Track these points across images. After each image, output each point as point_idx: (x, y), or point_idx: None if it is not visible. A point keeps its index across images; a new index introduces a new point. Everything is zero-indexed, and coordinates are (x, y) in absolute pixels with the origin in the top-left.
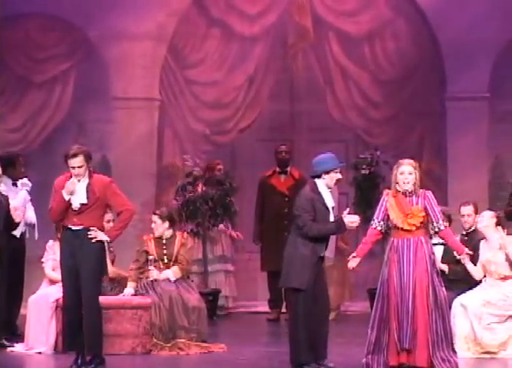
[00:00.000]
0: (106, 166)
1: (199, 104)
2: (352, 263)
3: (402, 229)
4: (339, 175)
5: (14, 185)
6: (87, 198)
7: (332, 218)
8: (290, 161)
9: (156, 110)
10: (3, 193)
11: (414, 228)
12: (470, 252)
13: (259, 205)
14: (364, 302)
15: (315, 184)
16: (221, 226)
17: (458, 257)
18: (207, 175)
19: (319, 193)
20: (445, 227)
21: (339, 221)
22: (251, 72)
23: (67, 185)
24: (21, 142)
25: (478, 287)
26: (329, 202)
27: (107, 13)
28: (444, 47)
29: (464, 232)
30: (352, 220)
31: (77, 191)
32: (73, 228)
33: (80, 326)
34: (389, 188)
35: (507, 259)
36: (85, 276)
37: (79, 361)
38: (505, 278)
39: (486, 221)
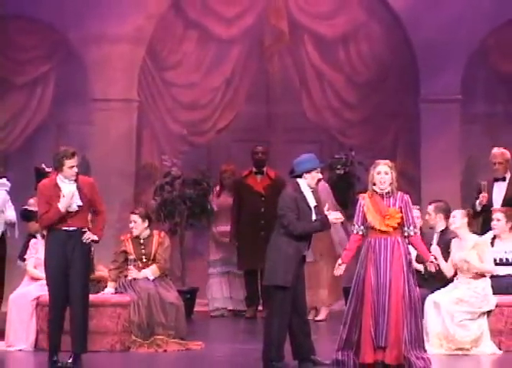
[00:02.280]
0: (86, 166)
1: (177, 105)
2: (339, 270)
3: (379, 230)
4: (319, 175)
5: None
6: (80, 199)
7: (314, 217)
8: (266, 161)
9: (135, 111)
10: None
11: (391, 229)
12: (435, 261)
13: (235, 205)
14: (340, 300)
15: (297, 184)
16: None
17: (433, 248)
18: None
19: (301, 193)
20: (415, 233)
21: (324, 219)
22: (227, 74)
23: (65, 200)
24: (2, 142)
25: (451, 285)
26: (312, 201)
27: (86, 15)
28: (418, 50)
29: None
30: (336, 216)
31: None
32: (67, 229)
33: (61, 324)
34: (366, 189)
35: (480, 259)
36: (77, 275)
37: (55, 358)
38: (477, 277)
39: (458, 222)
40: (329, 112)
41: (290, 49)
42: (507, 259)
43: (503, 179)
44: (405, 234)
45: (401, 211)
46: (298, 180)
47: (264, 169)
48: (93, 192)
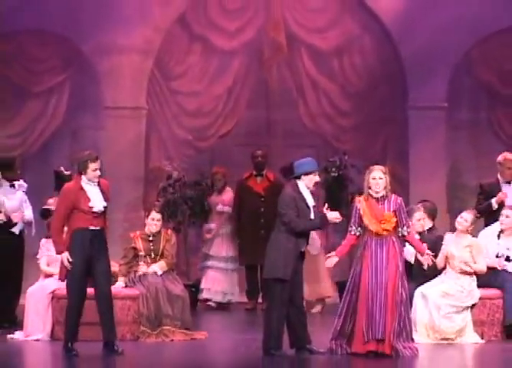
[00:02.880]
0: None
1: (182, 113)
2: (330, 262)
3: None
4: (317, 178)
5: (12, 186)
6: (105, 200)
7: (312, 216)
8: (265, 164)
9: (143, 118)
10: None
11: (386, 232)
12: (431, 253)
13: (237, 205)
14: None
15: (296, 185)
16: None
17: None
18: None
19: (300, 193)
20: (408, 233)
21: (323, 217)
22: (229, 83)
23: (64, 260)
24: (20, 147)
25: (438, 278)
26: (310, 201)
27: (99, 29)
28: (406, 61)
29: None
30: (335, 216)
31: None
32: (93, 228)
33: (80, 317)
34: (358, 191)
35: (473, 259)
36: (103, 271)
37: (70, 346)
38: (465, 273)
39: (468, 224)
40: (324, 119)
41: (287, 60)
42: (508, 257)
43: (509, 183)
44: (400, 234)
45: (395, 215)
46: (297, 181)
47: (264, 171)
48: (109, 193)
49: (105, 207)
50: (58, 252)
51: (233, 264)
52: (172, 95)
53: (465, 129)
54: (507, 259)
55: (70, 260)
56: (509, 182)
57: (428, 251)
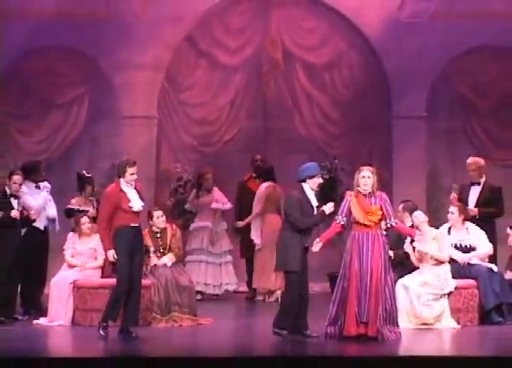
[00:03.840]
0: (114, 172)
1: (189, 121)
2: (316, 247)
3: (362, 224)
4: (320, 180)
5: (37, 187)
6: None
7: (316, 214)
8: (263, 168)
9: (155, 126)
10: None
11: (373, 224)
12: (421, 233)
13: (238, 204)
14: (325, 283)
15: (302, 187)
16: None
17: (406, 246)
18: (197, 181)
19: (305, 194)
20: (396, 222)
21: (322, 213)
22: (231, 95)
23: (110, 258)
24: (45, 152)
25: (417, 270)
26: (314, 201)
27: (115, 47)
28: (390, 75)
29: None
30: (330, 207)
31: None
32: (134, 225)
33: (123, 303)
34: (349, 190)
35: (439, 249)
36: (140, 263)
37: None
38: (439, 263)
39: (421, 218)
40: (316, 127)
41: (283, 75)
42: (461, 245)
43: (478, 184)
44: (388, 225)
45: (381, 208)
46: (302, 184)
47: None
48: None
49: (142, 206)
50: (106, 249)
51: (228, 257)
52: (180, 106)
53: (443, 137)
54: (467, 250)
55: (116, 257)
56: (477, 183)
57: (419, 232)
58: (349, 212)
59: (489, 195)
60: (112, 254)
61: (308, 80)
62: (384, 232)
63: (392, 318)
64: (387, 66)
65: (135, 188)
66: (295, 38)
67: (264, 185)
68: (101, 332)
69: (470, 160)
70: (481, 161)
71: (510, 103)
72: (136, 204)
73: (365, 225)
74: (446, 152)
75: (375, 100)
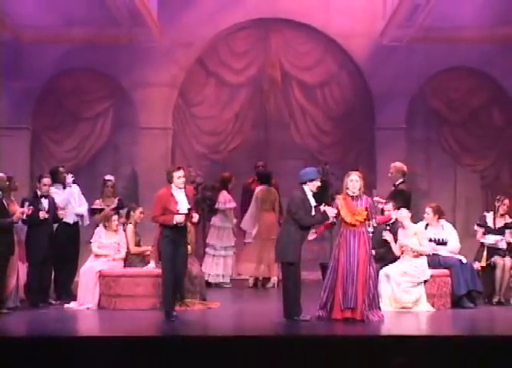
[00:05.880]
0: (134, 176)
1: (200, 132)
2: (311, 237)
3: (349, 223)
4: (318, 183)
5: (64, 188)
6: (188, 203)
7: (313, 213)
8: (262, 173)
9: (170, 136)
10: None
11: (358, 223)
12: (394, 216)
13: (243, 204)
14: (317, 272)
15: (303, 189)
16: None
17: (384, 234)
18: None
19: (305, 195)
20: (377, 223)
21: (324, 213)
22: (237, 109)
23: (179, 220)
24: (74, 159)
25: (397, 261)
26: (312, 202)
27: (135, 67)
28: (374, 92)
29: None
30: (332, 212)
31: (180, 199)
32: (180, 225)
33: (176, 291)
34: (338, 192)
35: (419, 243)
36: (184, 256)
37: (173, 314)
38: (417, 256)
39: (404, 214)
40: (310, 137)
41: (282, 92)
42: (435, 239)
43: (394, 185)
44: (371, 225)
45: (366, 210)
46: (303, 186)
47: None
48: (191, 197)
49: (189, 209)
50: (172, 221)
51: (231, 251)
52: (192, 118)
53: (419, 145)
54: (440, 243)
55: (181, 219)
56: (393, 185)
57: (393, 215)
58: (339, 213)
59: (391, 195)
60: (178, 217)
61: (303, 97)
62: (371, 231)
63: (374, 303)
64: (371, 84)
65: (184, 191)
66: (292, 60)
67: (258, 188)
68: (172, 318)
69: (392, 164)
70: (401, 167)
71: (477, 116)
72: (183, 206)
73: (351, 224)
74: (422, 157)
75: (361, 114)
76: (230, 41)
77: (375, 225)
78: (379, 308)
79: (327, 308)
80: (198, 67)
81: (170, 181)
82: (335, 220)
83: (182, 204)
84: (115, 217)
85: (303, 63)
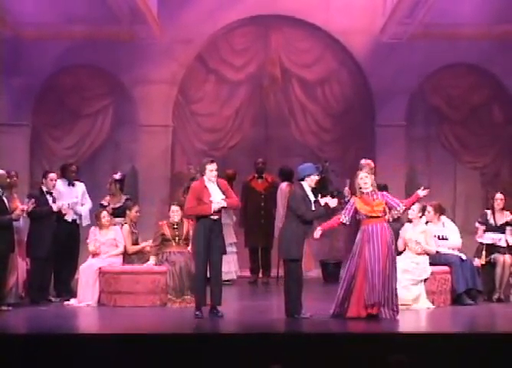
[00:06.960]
0: (134, 173)
1: (200, 129)
2: (317, 234)
3: (371, 217)
4: (317, 177)
5: (69, 184)
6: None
7: (313, 208)
8: (264, 169)
9: (170, 133)
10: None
11: (380, 214)
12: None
13: (243, 201)
14: (317, 269)
15: (301, 185)
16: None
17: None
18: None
19: (304, 191)
20: (403, 208)
21: (326, 206)
22: (236, 106)
23: (217, 207)
24: (74, 156)
25: (398, 258)
26: (311, 196)
27: (135, 64)
28: (374, 89)
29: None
30: (333, 201)
31: (214, 192)
32: (213, 217)
33: (206, 286)
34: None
35: (426, 242)
36: (219, 250)
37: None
38: (420, 253)
39: (416, 212)
40: (310, 134)
41: (281, 89)
42: (438, 236)
43: None
44: (401, 211)
45: (385, 203)
46: (301, 182)
47: (263, 174)
48: (226, 188)
49: (223, 199)
50: (209, 210)
51: (233, 248)
52: (192, 115)
53: (419, 142)
54: (441, 239)
55: (219, 206)
56: None
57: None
58: (354, 213)
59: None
60: (216, 204)
61: (303, 94)
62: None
63: (393, 298)
64: (371, 81)
65: (217, 184)
66: (291, 57)
67: (284, 184)
68: (197, 313)
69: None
70: (371, 163)
71: (477, 113)
72: (217, 198)
73: (373, 216)
74: (422, 155)
75: (361, 111)
76: (230, 38)
77: (403, 208)
78: (396, 304)
79: (344, 306)
80: (198, 64)
81: (202, 173)
82: (346, 219)
83: (216, 196)
84: (104, 213)
85: (303, 60)
